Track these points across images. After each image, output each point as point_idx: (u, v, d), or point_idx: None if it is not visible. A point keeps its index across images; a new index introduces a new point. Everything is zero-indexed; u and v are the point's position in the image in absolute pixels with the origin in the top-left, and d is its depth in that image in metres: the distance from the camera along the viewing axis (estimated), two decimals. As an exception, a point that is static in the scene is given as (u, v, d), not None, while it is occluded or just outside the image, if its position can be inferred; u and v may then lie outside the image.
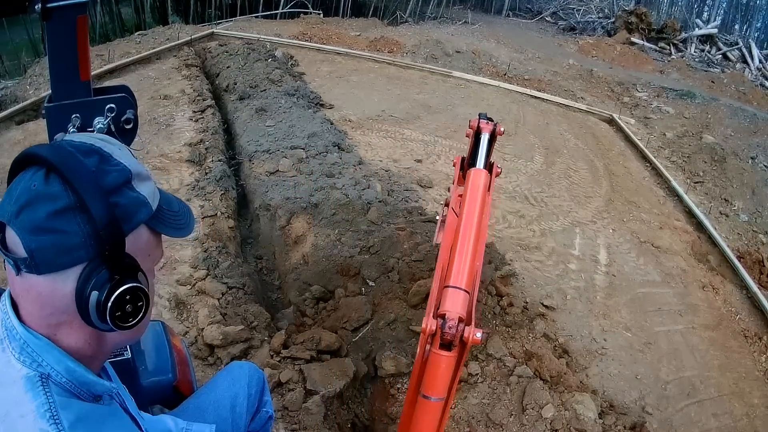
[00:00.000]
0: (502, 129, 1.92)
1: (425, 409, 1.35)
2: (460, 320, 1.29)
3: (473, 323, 1.31)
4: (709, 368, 3.38)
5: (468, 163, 2.01)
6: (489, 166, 1.90)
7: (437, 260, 1.65)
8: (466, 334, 1.27)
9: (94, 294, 0.82)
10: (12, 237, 0.81)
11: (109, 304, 0.82)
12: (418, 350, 1.41)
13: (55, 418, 0.80)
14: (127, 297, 0.84)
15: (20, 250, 0.80)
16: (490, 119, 1.99)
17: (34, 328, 0.85)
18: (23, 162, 0.84)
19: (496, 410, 2.46)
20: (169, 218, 0.92)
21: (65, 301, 0.83)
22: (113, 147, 0.89)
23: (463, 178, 1.98)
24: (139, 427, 0.98)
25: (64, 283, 0.82)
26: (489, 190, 1.80)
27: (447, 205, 2.47)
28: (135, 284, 0.85)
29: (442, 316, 1.29)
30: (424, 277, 3.10)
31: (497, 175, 1.91)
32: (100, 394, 0.90)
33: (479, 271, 1.55)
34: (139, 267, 0.87)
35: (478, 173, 1.74)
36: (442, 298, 1.36)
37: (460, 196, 1.78)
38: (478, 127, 1.91)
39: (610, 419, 2.65)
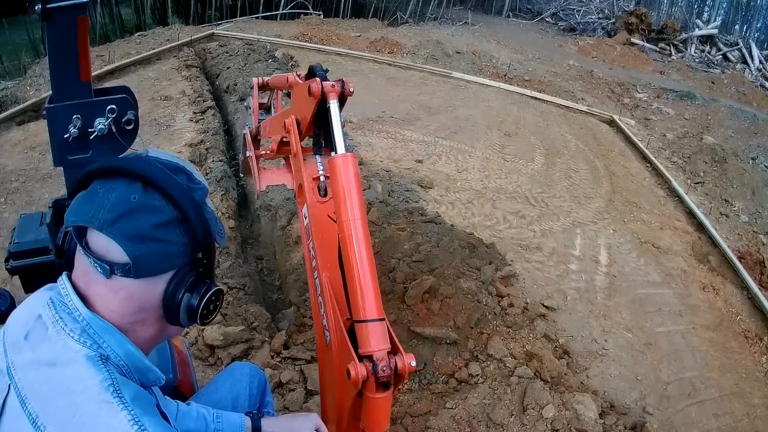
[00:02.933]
0: (351, 88, 1.36)
1: None
2: (389, 353, 1.15)
3: (401, 349, 1.15)
4: (709, 369, 3.38)
5: (308, 130, 1.45)
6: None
7: (310, 266, 1.35)
8: (400, 366, 1.14)
9: (187, 296, 0.93)
10: (102, 242, 0.87)
11: (202, 305, 0.94)
12: (340, 396, 1.24)
13: (118, 392, 0.84)
14: (213, 298, 0.97)
15: (116, 256, 0.86)
16: (325, 71, 1.40)
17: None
18: (107, 173, 0.89)
19: (497, 410, 2.46)
20: (218, 229, 1.02)
21: (152, 302, 0.92)
22: (191, 166, 0.98)
23: (302, 140, 1.47)
24: (169, 424, 0.99)
25: (155, 286, 0.91)
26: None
27: (254, 138, 2.16)
28: (219, 288, 0.98)
29: (369, 357, 1.13)
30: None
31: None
32: (148, 384, 0.96)
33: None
34: (214, 272, 1.00)
35: (346, 161, 1.23)
36: (359, 336, 1.16)
37: (316, 179, 1.39)
38: (323, 93, 1.32)
39: (611, 419, 2.65)
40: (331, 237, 1.29)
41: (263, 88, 2.27)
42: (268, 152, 1.90)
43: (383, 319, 1.16)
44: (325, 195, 1.39)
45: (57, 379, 0.84)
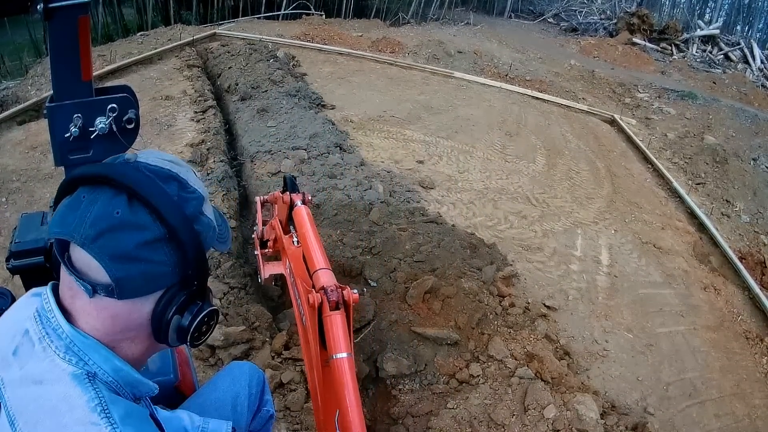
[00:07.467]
0: (310, 197, 2.23)
1: (342, 369, 1.49)
2: (337, 287, 1.59)
3: (346, 288, 1.59)
4: (710, 369, 3.38)
5: (286, 225, 2.29)
6: (302, 199, 2.22)
7: (292, 290, 1.91)
8: (346, 296, 1.57)
9: (177, 318, 0.87)
10: (84, 258, 0.81)
11: (193, 327, 0.89)
12: (308, 329, 1.61)
13: (105, 412, 0.80)
14: (206, 319, 0.92)
15: (98, 275, 0.81)
16: (294, 180, 2.32)
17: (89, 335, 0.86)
18: (93, 180, 0.83)
19: (498, 411, 2.46)
20: (221, 234, 0.97)
21: (140, 322, 0.87)
22: (185, 170, 0.91)
23: (285, 232, 2.29)
24: None
25: (142, 306, 0.86)
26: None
27: (261, 240, 2.78)
28: (214, 308, 0.92)
29: (323, 289, 1.58)
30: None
31: (310, 202, 2.23)
32: (141, 395, 0.92)
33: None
34: (209, 289, 0.93)
35: (300, 209, 2.15)
36: (315, 280, 1.68)
37: (290, 236, 2.16)
38: (291, 200, 2.19)
39: (612, 420, 2.64)
40: (301, 263, 1.92)
41: (265, 203, 2.95)
42: (270, 251, 2.66)
43: (329, 269, 1.74)
44: (297, 244, 2.05)
45: (44, 398, 0.81)
